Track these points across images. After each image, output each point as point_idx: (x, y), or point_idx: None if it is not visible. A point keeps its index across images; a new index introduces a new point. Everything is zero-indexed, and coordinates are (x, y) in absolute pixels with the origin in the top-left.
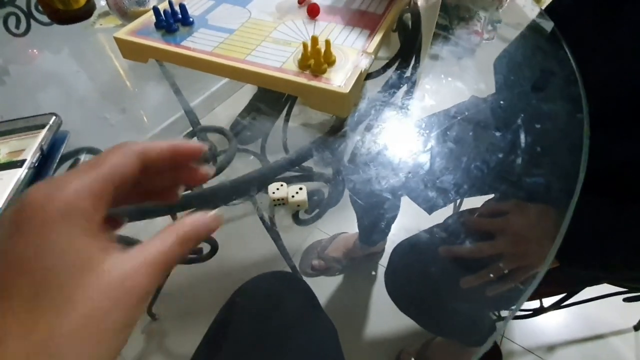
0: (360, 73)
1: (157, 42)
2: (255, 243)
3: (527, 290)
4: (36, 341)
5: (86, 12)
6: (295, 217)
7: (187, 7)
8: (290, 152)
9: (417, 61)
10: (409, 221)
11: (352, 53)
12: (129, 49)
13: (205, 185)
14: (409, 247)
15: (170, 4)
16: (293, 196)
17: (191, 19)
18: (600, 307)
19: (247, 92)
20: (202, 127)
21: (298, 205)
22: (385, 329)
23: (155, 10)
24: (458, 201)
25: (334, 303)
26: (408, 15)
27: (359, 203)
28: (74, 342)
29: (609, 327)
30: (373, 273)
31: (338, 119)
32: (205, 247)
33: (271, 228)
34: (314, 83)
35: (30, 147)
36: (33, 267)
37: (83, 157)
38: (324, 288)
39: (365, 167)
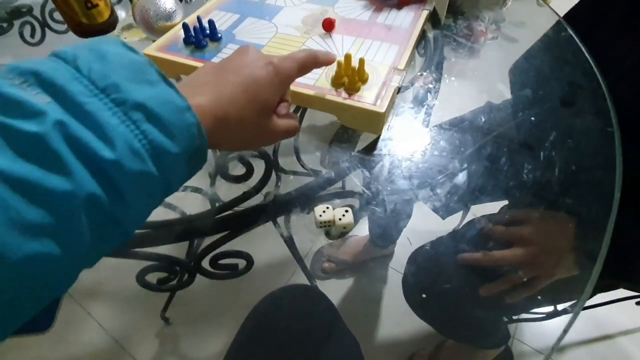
0: (394, 91)
1: (187, 59)
2: (266, 251)
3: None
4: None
5: (110, 26)
6: (328, 234)
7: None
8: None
9: (441, 73)
10: (419, 224)
11: (384, 70)
12: (158, 65)
13: (245, 204)
14: (427, 254)
15: (199, 20)
16: (340, 219)
17: (219, 35)
18: (610, 309)
19: None
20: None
21: (344, 228)
22: (397, 332)
23: (185, 26)
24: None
25: (345, 306)
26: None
27: (372, 209)
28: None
29: (618, 328)
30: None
31: (372, 138)
32: (241, 263)
33: (294, 248)
34: (349, 102)
35: None
36: (242, 71)
37: None
38: (335, 291)
39: (385, 175)
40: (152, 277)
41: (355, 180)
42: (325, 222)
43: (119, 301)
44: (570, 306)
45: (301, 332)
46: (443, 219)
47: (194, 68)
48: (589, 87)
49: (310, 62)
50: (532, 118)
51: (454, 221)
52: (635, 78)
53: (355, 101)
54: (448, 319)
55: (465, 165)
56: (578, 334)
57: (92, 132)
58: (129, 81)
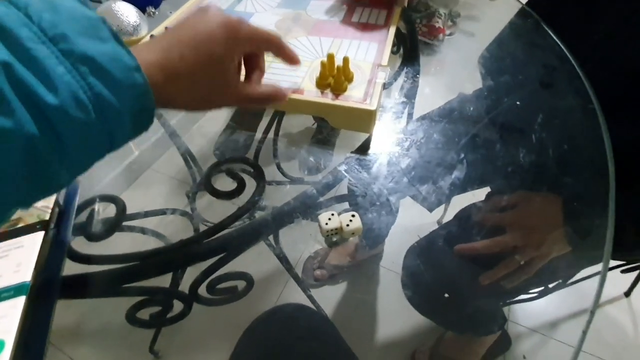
0: (381, 87)
1: None
2: (255, 272)
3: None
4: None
5: None
6: (327, 241)
7: None
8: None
9: (419, 65)
10: (407, 221)
11: (367, 67)
12: None
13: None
14: (422, 250)
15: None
16: (348, 225)
17: None
18: (593, 280)
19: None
20: (229, 158)
21: (353, 233)
22: (396, 331)
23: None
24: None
25: (342, 311)
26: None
27: (356, 195)
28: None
29: (603, 297)
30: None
31: (365, 137)
32: (240, 284)
33: (286, 262)
34: (338, 103)
35: (46, 205)
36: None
37: (97, 206)
38: (330, 297)
39: (369, 173)
40: (142, 314)
41: (353, 182)
42: (332, 230)
43: (103, 341)
44: (562, 282)
45: (297, 350)
46: (430, 211)
47: None
48: (563, 68)
49: (275, 44)
50: (518, 102)
51: (438, 213)
52: (602, 54)
53: (344, 101)
54: (449, 311)
55: (463, 155)
56: (568, 308)
57: (36, 77)
58: (79, 34)
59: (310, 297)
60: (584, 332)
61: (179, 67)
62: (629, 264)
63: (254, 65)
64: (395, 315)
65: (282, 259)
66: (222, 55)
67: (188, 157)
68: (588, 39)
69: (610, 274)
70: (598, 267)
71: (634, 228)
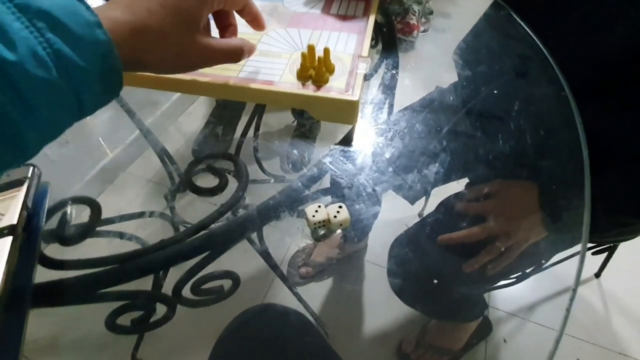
0: (363, 78)
1: None
2: (238, 265)
3: None
4: None
5: None
6: (314, 235)
7: None
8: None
9: (397, 57)
10: (389, 215)
11: (347, 59)
12: None
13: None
14: (406, 242)
15: None
16: (335, 216)
17: None
18: (567, 263)
19: (200, 105)
20: (210, 154)
21: (341, 225)
22: (383, 323)
23: None
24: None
25: (329, 306)
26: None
27: (342, 187)
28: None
29: (574, 278)
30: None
31: (348, 129)
32: (226, 283)
33: (270, 260)
34: (321, 94)
35: (13, 209)
36: None
37: (70, 209)
38: (316, 294)
39: (354, 164)
40: (123, 320)
41: (338, 174)
42: (319, 222)
43: (82, 352)
44: (535, 268)
45: (276, 348)
46: (412, 204)
47: (138, 77)
48: (537, 58)
49: (248, 7)
50: (495, 91)
51: (419, 206)
52: (571, 44)
53: (326, 93)
54: (435, 301)
55: (445, 144)
56: (544, 291)
57: None
58: None
59: (296, 295)
60: (568, 310)
61: (147, 22)
62: (599, 246)
63: (226, 23)
64: (381, 307)
65: (267, 257)
66: (190, 10)
67: (165, 156)
68: (557, 29)
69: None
70: (572, 250)
71: (603, 210)
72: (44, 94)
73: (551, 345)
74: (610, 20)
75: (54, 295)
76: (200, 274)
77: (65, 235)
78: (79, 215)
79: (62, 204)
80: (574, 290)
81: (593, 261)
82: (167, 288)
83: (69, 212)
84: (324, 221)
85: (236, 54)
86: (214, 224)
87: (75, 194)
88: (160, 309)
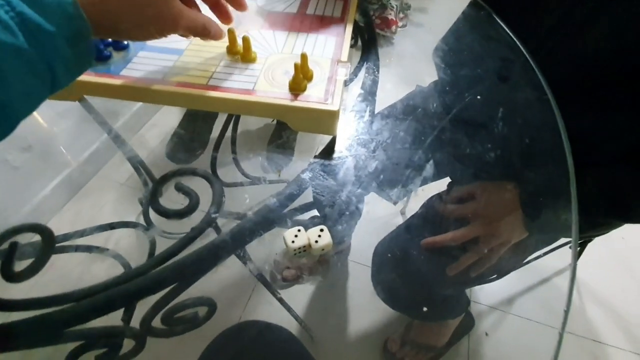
0: (342, 85)
1: (90, 76)
2: (218, 284)
3: None
4: None
5: None
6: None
7: None
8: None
9: (378, 59)
10: (371, 213)
11: (326, 64)
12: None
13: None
14: (390, 245)
15: None
16: (316, 241)
17: (125, 42)
18: (546, 257)
19: (164, 115)
20: (180, 170)
21: (322, 249)
22: (368, 322)
23: None
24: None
25: (314, 308)
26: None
27: (323, 205)
28: None
29: (551, 270)
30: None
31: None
32: (202, 310)
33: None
34: (298, 104)
35: None
36: None
37: (17, 239)
38: (300, 297)
39: (335, 179)
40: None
41: (319, 191)
42: (299, 248)
43: None
44: (519, 263)
45: None
46: (395, 204)
47: (97, 86)
48: (518, 61)
49: None
50: (478, 97)
51: (401, 203)
52: (549, 46)
53: (304, 102)
54: (419, 304)
55: (430, 155)
56: (522, 284)
57: None
58: None
59: (280, 300)
60: (566, 312)
61: None
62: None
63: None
64: (366, 306)
65: (248, 264)
66: None
67: (137, 163)
68: (536, 30)
69: (559, 250)
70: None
71: (585, 214)
72: (12, 61)
73: (531, 337)
74: (588, 21)
75: (7, 339)
76: (170, 305)
77: (14, 272)
78: (30, 239)
79: (7, 234)
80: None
81: (568, 252)
82: (136, 317)
83: (17, 242)
84: (304, 247)
85: (202, 29)
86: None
87: (40, 202)
88: (128, 343)
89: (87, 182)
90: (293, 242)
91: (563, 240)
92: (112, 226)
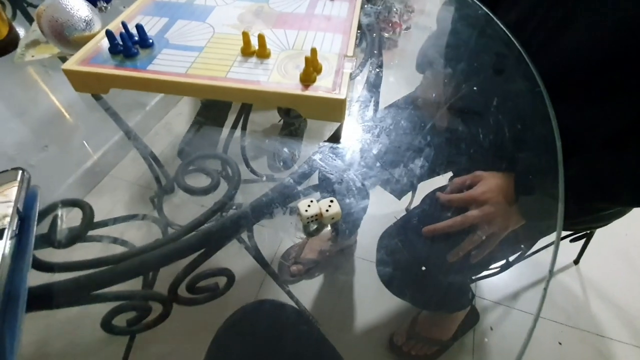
0: (349, 77)
1: (118, 70)
2: (234, 268)
3: None
4: None
5: (9, 44)
6: (306, 230)
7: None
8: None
9: (381, 56)
10: (376, 211)
11: (334, 58)
12: (82, 81)
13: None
14: (394, 233)
15: (125, 25)
16: (327, 210)
17: (150, 40)
18: (547, 251)
19: (185, 104)
20: (200, 155)
21: (332, 218)
22: (373, 317)
23: (109, 33)
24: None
25: (321, 302)
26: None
27: (336, 194)
28: None
29: (556, 266)
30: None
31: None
32: (221, 281)
33: (261, 259)
34: (309, 93)
35: (4, 213)
36: None
37: (60, 212)
38: (307, 291)
39: (343, 160)
40: (118, 321)
41: (328, 170)
42: (312, 216)
43: (72, 358)
44: (521, 254)
45: (272, 338)
46: (399, 199)
47: (127, 79)
48: (512, 55)
49: None
50: (475, 88)
51: (406, 201)
52: (541, 39)
53: (314, 92)
54: (424, 291)
55: (429, 139)
56: (526, 279)
57: None
58: None
59: (288, 293)
60: (545, 289)
61: None
62: (576, 234)
63: None
64: (372, 302)
65: (258, 257)
66: None
67: (151, 159)
68: (525, 24)
69: (562, 248)
70: (551, 238)
71: (572, 198)
72: None
73: (535, 331)
74: (572, 14)
75: (47, 298)
76: (195, 272)
77: (57, 239)
78: (69, 215)
79: (52, 207)
80: (551, 272)
81: (572, 248)
82: (158, 288)
83: (59, 215)
84: (316, 215)
85: None
86: (207, 223)
87: (62, 196)
88: (155, 309)
89: (101, 181)
90: (306, 211)
91: (563, 233)
92: (133, 217)
